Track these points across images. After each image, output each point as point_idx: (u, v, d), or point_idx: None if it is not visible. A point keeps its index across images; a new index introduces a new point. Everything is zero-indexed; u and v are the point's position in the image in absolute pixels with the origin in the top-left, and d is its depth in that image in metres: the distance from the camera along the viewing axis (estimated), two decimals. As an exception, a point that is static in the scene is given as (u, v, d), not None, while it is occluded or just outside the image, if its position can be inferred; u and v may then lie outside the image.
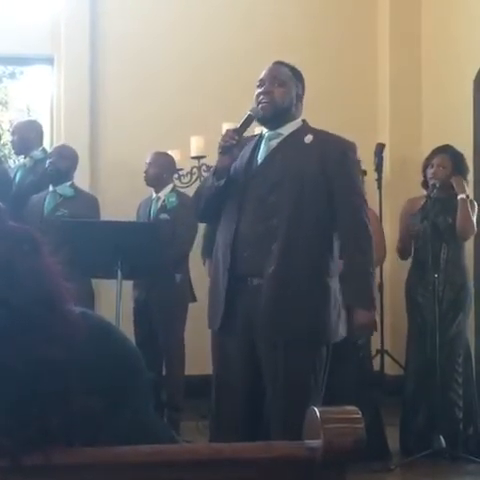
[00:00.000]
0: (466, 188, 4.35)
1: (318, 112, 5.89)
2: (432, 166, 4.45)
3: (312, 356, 2.90)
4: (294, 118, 3.07)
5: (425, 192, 4.49)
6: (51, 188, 4.82)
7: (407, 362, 4.53)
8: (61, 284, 1.23)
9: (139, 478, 1.18)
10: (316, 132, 3.05)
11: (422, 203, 4.47)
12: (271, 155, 2.99)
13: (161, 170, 4.88)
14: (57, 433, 1.16)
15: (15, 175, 5.25)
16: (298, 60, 5.84)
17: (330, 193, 2.92)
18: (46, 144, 5.55)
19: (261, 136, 3.07)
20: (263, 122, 3.03)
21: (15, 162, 6.37)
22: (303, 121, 3.11)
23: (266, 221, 2.89)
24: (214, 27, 5.86)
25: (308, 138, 3.00)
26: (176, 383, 4.75)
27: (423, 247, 4.32)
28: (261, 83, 3.04)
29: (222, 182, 2.94)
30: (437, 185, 4.31)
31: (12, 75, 8.36)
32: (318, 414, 1.18)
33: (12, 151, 6.04)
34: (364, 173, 4.51)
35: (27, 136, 5.25)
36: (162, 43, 5.81)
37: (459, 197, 4.32)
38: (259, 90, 3.02)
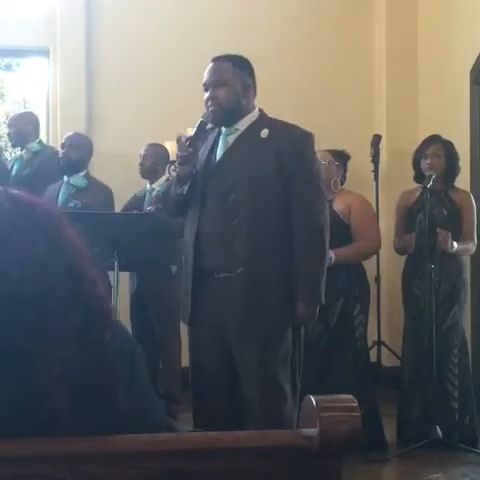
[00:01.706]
0: (449, 244, 4.23)
1: (315, 104, 5.93)
2: (426, 157, 4.43)
3: (282, 346, 2.98)
4: (248, 110, 3.06)
5: (419, 185, 4.47)
6: (65, 178, 4.81)
7: (403, 353, 4.54)
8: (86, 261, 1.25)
9: (136, 467, 1.18)
10: (272, 124, 3.04)
11: (417, 195, 4.46)
12: (228, 153, 3.01)
13: (156, 162, 4.88)
14: (63, 421, 1.17)
15: (12, 167, 5.24)
16: (295, 54, 5.88)
17: (289, 188, 2.94)
18: (42, 136, 5.54)
19: (219, 131, 3.08)
20: (216, 125, 3.05)
21: (11, 154, 6.36)
22: (260, 111, 3.09)
23: (228, 220, 2.92)
24: (211, 19, 5.84)
25: (264, 132, 2.99)
26: (173, 375, 4.76)
27: (419, 239, 4.31)
28: (205, 88, 3.05)
29: (186, 189, 2.98)
30: (433, 176, 4.29)
31: (8, 67, 8.33)
32: (314, 403, 1.18)
33: (8, 143, 6.03)
34: (347, 157, 4.50)
35: (23, 128, 5.23)
36: (158, 35, 5.80)
37: (451, 252, 4.25)
38: (206, 94, 3.04)
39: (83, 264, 1.25)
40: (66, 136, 4.98)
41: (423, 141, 4.54)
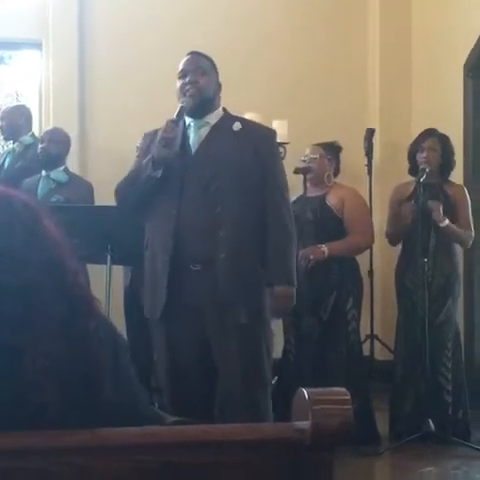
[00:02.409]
0: (441, 215, 4.23)
1: (308, 98, 5.92)
2: (422, 150, 4.42)
3: (262, 335, 3.05)
4: (217, 107, 3.15)
5: (413, 178, 4.46)
6: (44, 173, 4.78)
7: (396, 347, 4.55)
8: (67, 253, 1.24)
9: (127, 460, 1.18)
10: (240, 119, 3.17)
11: (411, 189, 4.44)
12: (204, 144, 3.06)
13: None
14: (50, 413, 1.16)
15: (4, 160, 5.22)
16: (288, 48, 5.87)
17: (263, 187, 3.05)
18: (35, 129, 5.52)
19: (186, 125, 3.10)
20: (191, 112, 3.07)
21: (4, 147, 6.33)
22: (224, 109, 3.18)
23: (210, 209, 2.97)
24: (204, 13, 5.82)
25: (236, 125, 3.09)
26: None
27: (413, 233, 4.31)
28: (183, 74, 3.11)
29: (160, 173, 2.97)
30: (427, 170, 4.27)
31: (0, 60, 8.29)
32: (306, 395, 1.18)
33: (0, 137, 6.00)
34: (339, 149, 4.49)
35: (16, 121, 5.21)
36: (152, 27, 5.77)
37: (441, 225, 4.25)
38: (183, 81, 3.08)
39: (63, 255, 1.24)
40: (45, 131, 5.00)
41: (420, 134, 4.53)
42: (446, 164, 4.46)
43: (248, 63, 5.75)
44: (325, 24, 5.96)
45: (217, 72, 3.18)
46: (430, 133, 4.49)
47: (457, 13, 5.33)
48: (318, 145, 4.43)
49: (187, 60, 3.15)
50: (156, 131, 3.12)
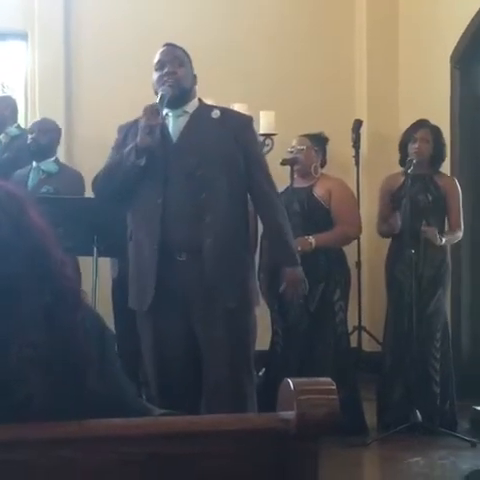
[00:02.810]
0: (438, 239, 4.27)
1: (296, 89, 5.91)
2: (415, 141, 4.40)
3: (248, 321, 3.09)
4: (193, 97, 3.17)
5: (403, 169, 4.44)
6: (34, 164, 4.76)
7: (385, 337, 4.55)
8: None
9: (112, 452, 1.18)
10: (217, 108, 3.18)
11: (402, 180, 4.42)
12: (186, 131, 3.08)
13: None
14: (36, 404, 1.16)
15: (-10, 152, 5.18)
16: (274, 38, 5.85)
17: (248, 174, 3.09)
18: (21, 120, 5.48)
19: (164, 115, 3.09)
20: (170, 102, 3.06)
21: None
22: (199, 100, 3.20)
23: (196, 195, 2.98)
24: (190, 2, 5.80)
25: (215, 113, 3.11)
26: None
27: (403, 224, 4.30)
28: (161, 65, 3.12)
29: (143, 161, 2.96)
30: (414, 161, 4.26)
31: (-14, 51, 8.23)
32: (292, 386, 1.18)
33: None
34: (326, 140, 4.49)
35: (1, 112, 5.17)
36: (137, 18, 5.74)
37: (440, 244, 4.29)
38: (161, 72, 3.09)
39: (49, 245, 1.23)
40: (33, 122, 4.97)
41: (412, 124, 4.51)
42: (437, 155, 4.45)
43: (235, 54, 5.73)
44: (312, 15, 5.95)
45: (192, 64, 3.20)
46: (422, 124, 4.47)
47: (444, 5, 5.34)
48: (305, 136, 4.43)
49: (163, 51, 3.15)
50: (132, 123, 3.13)
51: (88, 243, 3.94)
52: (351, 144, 5.62)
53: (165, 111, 3.09)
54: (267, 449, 1.18)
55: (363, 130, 5.68)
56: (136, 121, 3.09)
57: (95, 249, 3.94)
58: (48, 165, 4.75)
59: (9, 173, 4.75)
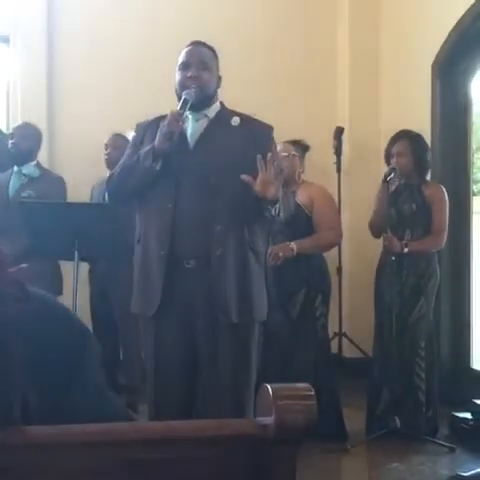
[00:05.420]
0: (398, 247, 4.26)
1: (277, 96, 5.92)
2: (392, 156, 4.40)
3: (251, 333, 3.01)
4: (215, 101, 3.10)
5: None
6: (16, 168, 4.75)
7: (374, 346, 4.54)
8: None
9: (90, 457, 1.17)
10: (237, 114, 3.09)
11: (393, 188, 4.42)
12: (203, 138, 3.01)
13: (121, 153, 4.81)
14: (13, 412, 1.15)
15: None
16: (258, 43, 5.86)
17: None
18: (2, 125, 5.46)
19: (184, 117, 3.02)
20: (192, 106, 2.99)
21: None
22: (221, 103, 3.13)
23: (208, 202, 2.91)
24: (178, 6, 5.81)
25: (235, 120, 3.04)
26: (133, 365, 4.74)
27: (389, 232, 4.33)
28: (185, 66, 3.02)
29: (159, 166, 2.91)
30: (396, 170, 4.30)
31: (-32, 54, 8.19)
32: (270, 391, 1.18)
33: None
34: (306, 148, 4.50)
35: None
36: (122, 23, 5.74)
37: (405, 251, 4.28)
38: (186, 74, 3.00)
39: None
40: (15, 126, 4.95)
41: (390, 138, 4.51)
42: (419, 165, 4.46)
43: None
44: (294, 22, 5.97)
45: (218, 62, 3.09)
46: (400, 136, 4.47)
47: (425, 13, 5.38)
48: (288, 142, 4.44)
49: (189, 51, 3.04)
50: (150, 122, 3.07)
51: (69, 247, 3.94)
52: (333, 151, 5.65)
53: (185, 113, 3.01)
54: (245, 454, 1.19)
55: (344, 137, 5.71)
56: (156, 120, 3.03)
57: (76, 253, 3.94)
58: (29, 169, 4.74)
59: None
